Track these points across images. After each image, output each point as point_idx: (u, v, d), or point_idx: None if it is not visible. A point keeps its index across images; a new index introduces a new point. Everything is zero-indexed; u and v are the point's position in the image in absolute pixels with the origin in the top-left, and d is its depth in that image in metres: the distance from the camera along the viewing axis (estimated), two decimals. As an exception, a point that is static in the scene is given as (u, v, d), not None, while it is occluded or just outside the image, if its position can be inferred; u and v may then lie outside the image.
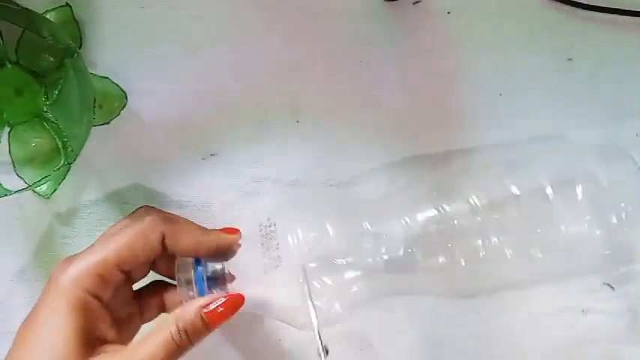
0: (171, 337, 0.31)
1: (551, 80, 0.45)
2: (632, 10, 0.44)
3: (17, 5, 0.38)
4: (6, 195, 0.37)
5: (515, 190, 0.38)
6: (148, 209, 0.35)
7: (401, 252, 0.36)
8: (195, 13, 0.42)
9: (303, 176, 0.43)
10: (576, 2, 0.44)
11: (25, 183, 0.39)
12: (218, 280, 0.35)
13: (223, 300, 0.33)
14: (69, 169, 0.41)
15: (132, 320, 0.36)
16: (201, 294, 0.34)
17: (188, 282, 0.34)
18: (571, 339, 0.45)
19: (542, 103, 0.44)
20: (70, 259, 0.33)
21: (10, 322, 0.41)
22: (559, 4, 0.44)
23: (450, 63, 0.44)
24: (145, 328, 0.38)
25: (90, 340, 0.31)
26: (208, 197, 0.42)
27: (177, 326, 0.31)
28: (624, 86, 0.45)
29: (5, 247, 0.41)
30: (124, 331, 0.34)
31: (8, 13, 0.38)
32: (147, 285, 0.37)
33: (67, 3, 0.41)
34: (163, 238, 0.34)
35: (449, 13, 0.44)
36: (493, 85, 0.44)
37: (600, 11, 0.44)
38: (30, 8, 0.38)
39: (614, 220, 0.37)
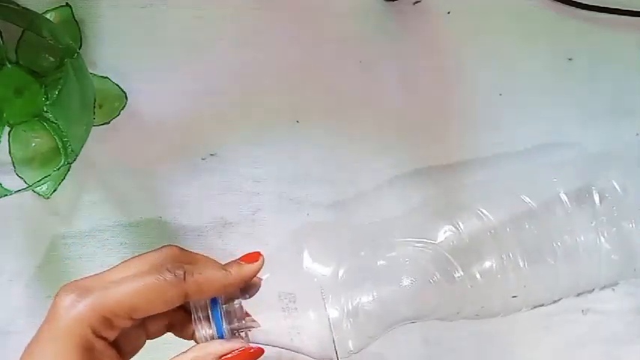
0: None
1: (551, 80, 0.45)
2: (632, 10, 0.44)
3: (17, 5, 0.38)
4: (6, 195, 0.37)
5: (528, 202, 0.37)
6: (174, 255, 0.33)
7: (420, 275, 0.36)
8: (195, 13, 0.42)
9: (303, 176, 0.43)
10: (576, 2, 0.44)
11: (25, 183, 0.39)
12: (236, 314, 0.35)
13: (242, 350, 0.33)
14: (69, 169, 0.41)
15: (137, 346, 0.35)
16: (219, 332, 0.34)
17: (206, 320, 0.34)
18: (571, 339, 0.45)
19: (542, 103, 0.44)
20: (78, 290, 0.31)
21: (10, 322, 0.41)
22: (559, 4, 0.44)
23: (450, 63, 0.44)
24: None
25: None
26: (208, 197, 0.42)
27: None
28: (624, 86, 0.45)
29: (5, 247, 0.41)
30: (128, 355, 0.34)
31: (8, 13, 0.38)
32: None
33: (67, 3, 0.41)
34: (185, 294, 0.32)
35: (449, 13, 0.44)
36: (493, 85, 0.44)
37: (600, 11, 0.44)
38: (30, 8, 0.38)
39: (630, 227, 0.37)
